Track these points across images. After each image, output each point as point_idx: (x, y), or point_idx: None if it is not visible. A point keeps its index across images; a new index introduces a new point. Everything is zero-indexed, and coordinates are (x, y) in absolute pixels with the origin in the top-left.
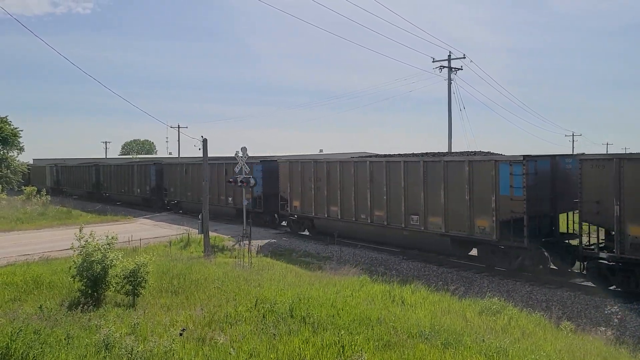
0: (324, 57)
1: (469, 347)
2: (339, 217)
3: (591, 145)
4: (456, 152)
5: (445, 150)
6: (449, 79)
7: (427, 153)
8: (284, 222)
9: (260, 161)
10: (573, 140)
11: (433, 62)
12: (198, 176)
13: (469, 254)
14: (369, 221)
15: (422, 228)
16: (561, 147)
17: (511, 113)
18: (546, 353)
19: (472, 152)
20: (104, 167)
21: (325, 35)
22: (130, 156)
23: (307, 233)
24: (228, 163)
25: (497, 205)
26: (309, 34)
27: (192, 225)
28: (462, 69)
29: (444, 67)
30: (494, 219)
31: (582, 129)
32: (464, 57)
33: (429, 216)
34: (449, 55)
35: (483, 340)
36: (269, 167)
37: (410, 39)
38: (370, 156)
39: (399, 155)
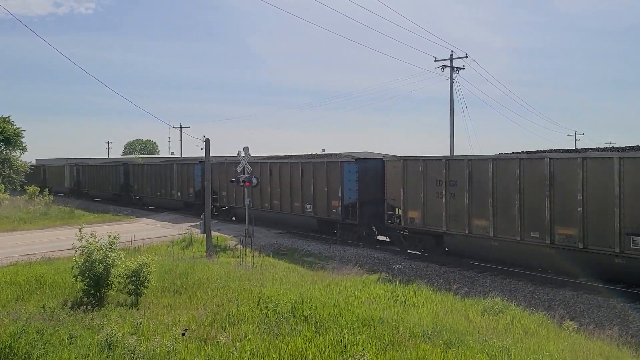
0: (324, 57)
1: (472, 346)
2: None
3: (593, 144)
4: (316, 154)
5: (448, 149)
6: (451, 79)
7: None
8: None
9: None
10: (575, 140)
11: (435, 61)
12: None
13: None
14: (270, 208)
15: (300, 212)
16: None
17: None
18: (549, 353)
19: (325, 154)
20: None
21: (326, 34)
22: (133, 156)
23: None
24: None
25: (343, 194)
26: (310, 33)
27: (193, 225)
28: (464, 69)
29: (446, 66)
30: (341, 203)
31: (584, 128)
32: (466, 57)
33: (305, 204)
34: (451, 55)
35: (485, 340)
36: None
37: (411, 38)
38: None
39: (295, 156)
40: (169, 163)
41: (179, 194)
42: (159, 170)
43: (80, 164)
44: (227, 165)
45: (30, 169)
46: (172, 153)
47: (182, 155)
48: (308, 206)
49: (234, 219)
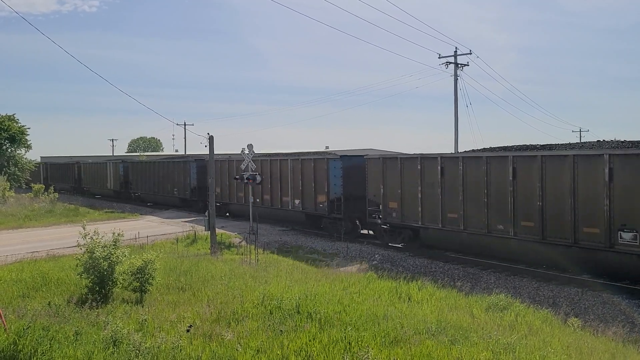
0: (329, 55)
1: (476, 343)
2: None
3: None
4: (305, 152)
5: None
6: (455, 75)
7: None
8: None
9: (340, 157)
10: (580, 136)
11: (439, 58)
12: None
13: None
14: (261, 204)
15: (290, 207)
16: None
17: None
18: (554, 349)
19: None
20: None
21: (330, 32)
22: (137, 154)
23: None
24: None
25: (328, 189)
26: (314, 31)
27: (198, 222)
28: (468, 65)
29: (450, 63)
30: (327, 198)
31: (589, 125)
32: (470, 53)
33: (294, 199)
34: (455, 51)
35: (490, 336)
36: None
37: (416, 35)
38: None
39: (285, 154)
40: (166, 161)
41: (175, 191)
42: (158, 167)
43: (81, 161)
44: (221, 162)
45: (35, 166)
46: (177, 151)
47: (186, 153)
48: (297, 201)
49: (227, 214)
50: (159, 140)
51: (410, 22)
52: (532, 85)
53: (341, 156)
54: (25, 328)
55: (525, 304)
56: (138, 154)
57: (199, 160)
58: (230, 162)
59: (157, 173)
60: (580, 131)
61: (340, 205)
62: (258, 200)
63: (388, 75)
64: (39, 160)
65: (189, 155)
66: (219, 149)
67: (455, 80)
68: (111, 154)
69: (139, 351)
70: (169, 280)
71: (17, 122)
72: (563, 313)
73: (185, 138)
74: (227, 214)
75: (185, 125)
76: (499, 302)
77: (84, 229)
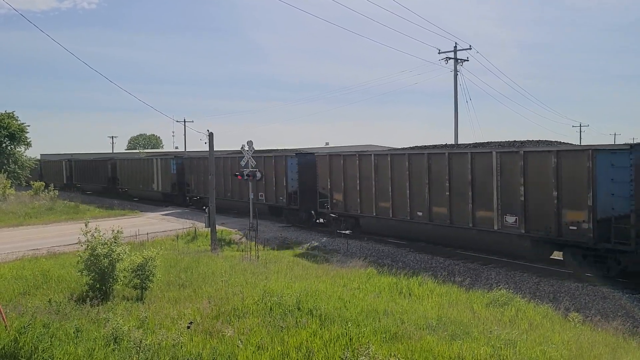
0: (328, 50)
1: (477, 339)
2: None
3: (598, 136)
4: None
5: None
6: (455, 71)
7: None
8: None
9: (296, 154)
10: (580, 131)
11: (439, 53)
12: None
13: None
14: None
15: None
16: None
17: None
18: (554, 344)
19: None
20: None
21: (329, 27)
22: (137, 151)
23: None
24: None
25: (287, 184)
26: (313, 26)
27: (200, 219)
28: (468, 60)
29: (450, 58)
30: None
31: (589, 120)
32: (470, 48)
33: (258, 192)
34: (455, 46)
35: (491, 332)
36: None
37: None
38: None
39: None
40: (150, 158)
41: (159, 186)
42: (142, 164)
43: (73, 159)
44: (197, 160)
45: (35, 164)
46: (176, 148)
47: (187, 150)
48: (260, 194)
49: (204, 208)
50: (158, 137)
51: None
52: (533, 80)
53: (297, 153)
54: (26, 325)
55: (525, 299)
56: (137, 150)
57: (299, 154)
58: (206, 159)
59: (143, 169)
60: (580, 126)
61: (296, 198)
62: (228, 194)
63: (388, 70)
64: (39, 157)
65: (176, 152)
66: (219, 145)
67: (455, 75)
68: (111, 152)
69: (139, 348)
70: (169, 277)
71: (16, 120)
72: (563, 308)
73: (185, 135)
74: (205, 207)
75: (185, 122)
76: (499, 298)
77: (85, 226)
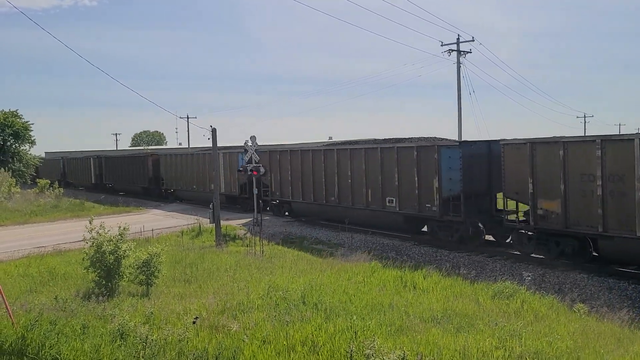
0: (328, 44)
1: (482, 330)
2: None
3: (603, 126)
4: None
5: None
6: (458, 63)
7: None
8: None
9: (245, 150)
10: (585, 122)
11: (442, 45)
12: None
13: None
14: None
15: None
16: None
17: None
18: (560, 335)
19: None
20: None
21: (329, 20)
22: (142, 147)
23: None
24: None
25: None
26: (312, 20)
27: (204, 215)
28: (471, 52)
29: (453, 50)
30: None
31: (594, 110)
32: (473, 40)
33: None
34: (458, 39)
35: (496, 323)
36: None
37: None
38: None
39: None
40: (131, 156)
41: (138, 181)
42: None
43: (103, 155)
44: (176, 157)
45: (40, 161)
46: (180, 144)
47: (190, 146)
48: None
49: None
50: (162, 133)
51: (411, 10)
52: (536, 70)
53: (244, 150)
54: (33, 322)
55: (531, 291)
56: (142, 147)
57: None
58: (176, 155)
59: (124, 166)
60: (584, 117)
61: (247, 190)
62: (193, 187)
63: (390, 63)
64: (43, 155)
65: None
66: (220, 141)
67: (458, 68)
68: (115, 149)
69: (145, 343)
70: (174, 273)
71: (20, 118)
72: (569, 299)
73: (188, 131)
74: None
75: (188, 118)
76: (504, 290)
77: (90, 223)
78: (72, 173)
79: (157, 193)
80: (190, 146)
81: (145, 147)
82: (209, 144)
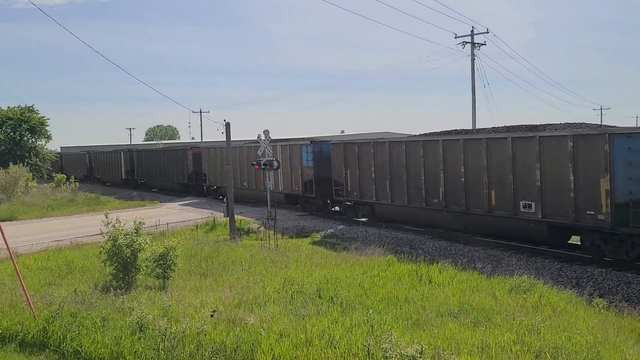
0: (343, 38)
1: (500, 325)
2: None
3: (620, 118)
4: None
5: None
6: (472, 55)
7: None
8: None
9: (311, 142)
10: (601, 114)
11: (455, 38)
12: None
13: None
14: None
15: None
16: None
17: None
18: (579, 330)
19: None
20: (207, 150)
21: (344, 14)
22: (154, 142)
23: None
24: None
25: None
26: (327, 13)
27: (216, 209)
28: (485, 44)
29: (467, 42)
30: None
31: (610, 102)
32: (487, 32)
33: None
34: (472, 31)
35: (514, 318)
36: (321, 149)
37: (431, 15)
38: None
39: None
40: (168, 149)
41: (176, 177)
42: (161, 155)
43: (92, 151)
44: (221, 150)
45: (56, 156)
46: (193, 138)
47: (202, 140)
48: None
49: (220, 197)
50: (175, 128)
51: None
52: (551, 62)
53: (312, 142)
54: (53, 315)
55: (548, 285)
56: (155, 142)
57: (315, 143)
58: (221, 149)
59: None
60: (601, 109)
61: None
62: (245, 184)
63: (404, 57)
64: (59, 150)
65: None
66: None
67: (473, 60)
68: (129, 143)
69: (165, 336)
70: (190, 266)
71: (36, 113)
72: (587, 294)
73: (201, 125)
74: (220, 197)
75: (200, 112)
76: (521, 284)
77: (106, 217)
78: (100, 168)
79: (199, 190)
80: (203, 140)
81: (159, 142)
82: (223, 137)
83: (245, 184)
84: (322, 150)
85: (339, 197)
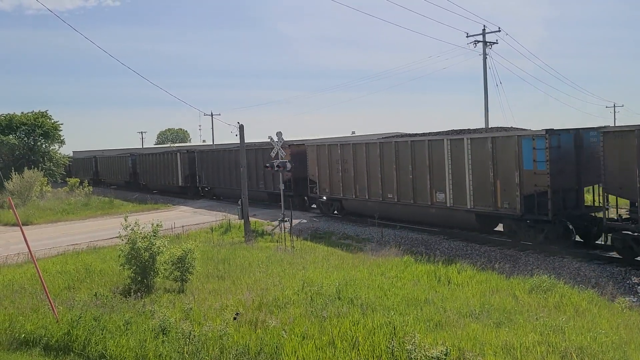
0: (354, 38)
1: (523, 325)
2: None
3: (634, 115)
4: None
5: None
6: (484, 54)
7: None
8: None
9: (289, 146)
10: (614, 112)
11: (467, 37)
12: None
13: None
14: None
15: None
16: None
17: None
18: (603, 330)
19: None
20: (140, 156)
21: (354, 14)
22: (167, 144)
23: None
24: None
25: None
26: (338, 14)
27: (229, 211)
28: (497, 43)
29: (479, 41)
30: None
31: (624, 99)
32: (499, 31)
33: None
34: (484, 29)
35: (537, 318)
36: (298, 151)
37: (442, 14)
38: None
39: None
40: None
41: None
42: (156, 159)
43: (98, 156)
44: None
45: (70, 161)
46: (204, 141)
47: (214, 143)
48: (261, 183)
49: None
50: (186, 131)
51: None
52: (563, 59)
53: (289, 145)
54: (77, 319)
55: (568, 284)
56: (169, 145)
57: (292, 145)
58: (214, 151)
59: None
60: (614, 107)
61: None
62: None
63: (415, 57)
64: (71, 154)
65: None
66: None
67: (485, 59)
68: (141, 147)
69: (188, 339)
70: (207, 269)
71: (50, 119)
72: (608, 293)
73: (212, 128)
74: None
75: (212, 115)
76: (542, 284)
77: (125, 220)
78: (104, 171)
79: (194, 192)
80: (215, 143)
81: (171, 144)
82: (236, 140)
83: (261, 184)
84: (298, 152)
85: (314, 194)
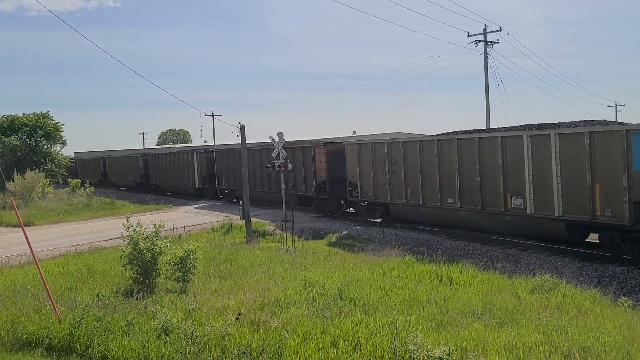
0: (353, 38)
1: (525, 325)
2: None
3: (636, 114)
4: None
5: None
6: (485, 53)
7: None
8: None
9: (324, 144)
10: (616, 111)
11: (468, 36)
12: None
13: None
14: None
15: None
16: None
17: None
18: (606, 330)
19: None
20: (152, 157)
21: (353, 14)
22: (168, 145)
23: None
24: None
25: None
26: (337, 14)
27: (232, 212)
28: (498, 42)
29: (480, 41)
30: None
31: (625, 98)
32: (500, 30)
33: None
34: (485, 29)
35: (539, 318)
36: (334, 150)
37: (443, 14)
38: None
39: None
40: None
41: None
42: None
43: (106, 156)
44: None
45: (71, 161)
46: (205, 142)
47: (215, 143)
48: (290, 185)
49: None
50: (187, 132)
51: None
52: (564, 59)
53: (325, 143)
54: (79, 319)
55: (570, 284)
56: (169, 145)
57: (327, 144)
58: (236, 151)
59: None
60: (615, 105)
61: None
62: (259, 187)
63: (415, 56)
64: (73, 155)
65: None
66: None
67: (486, 58)
68: (142, 147)
69: (190, 340)
70: (209, 270)
71: (51, 120)
72: (611, 292)
73: (213, 128)
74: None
75: (213, 115)
76: (544, 283)
77: (127, 221)
78: (114, 172)
79: (212, 194)
80: (216, 143)
81: (172, 145)
82: (237, 140)
83: (258, 186)
84: (334, 151)
85: (354, 198)
